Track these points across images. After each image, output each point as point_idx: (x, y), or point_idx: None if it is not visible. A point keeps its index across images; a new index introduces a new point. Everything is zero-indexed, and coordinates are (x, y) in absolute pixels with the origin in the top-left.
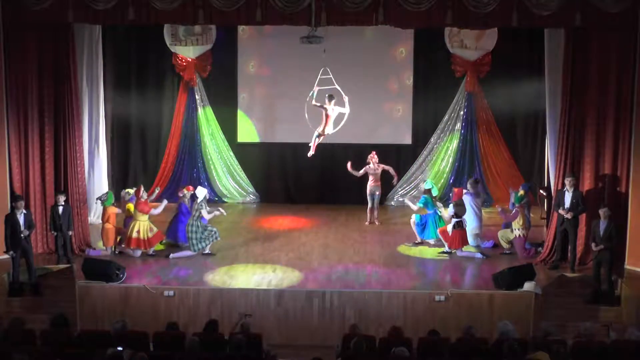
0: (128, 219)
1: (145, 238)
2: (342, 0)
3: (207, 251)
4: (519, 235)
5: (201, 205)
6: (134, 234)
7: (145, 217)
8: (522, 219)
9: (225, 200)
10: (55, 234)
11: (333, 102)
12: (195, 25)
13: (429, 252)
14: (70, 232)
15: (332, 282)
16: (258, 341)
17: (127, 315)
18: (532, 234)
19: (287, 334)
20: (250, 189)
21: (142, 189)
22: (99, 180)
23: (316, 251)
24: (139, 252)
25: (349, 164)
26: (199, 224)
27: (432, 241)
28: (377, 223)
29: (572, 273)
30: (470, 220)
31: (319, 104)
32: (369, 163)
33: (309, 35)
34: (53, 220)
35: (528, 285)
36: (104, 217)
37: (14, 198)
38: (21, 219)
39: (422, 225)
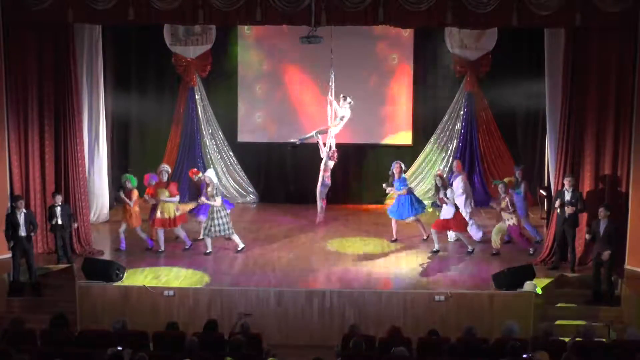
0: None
1: (171, 217)
2: (342, 0)
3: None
4: (512, 224)
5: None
6: (158, 214)
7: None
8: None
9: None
10: (55, 234)
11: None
12: (195, 25)
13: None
14: (75, 224)
15: (331, 282)
16: (258, 341)
17: (127, 315)
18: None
19: (287, 333)
20: (250, 188)
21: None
22: (99, 179)
23: (316, 251)
24: (161, 232)
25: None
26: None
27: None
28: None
29: (572, 273)
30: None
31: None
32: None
33: (309, 35)
34: (51, 221)
35: (528, 285)
36: (132, 200)
37: (14, 198)
38: (21, 218)
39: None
